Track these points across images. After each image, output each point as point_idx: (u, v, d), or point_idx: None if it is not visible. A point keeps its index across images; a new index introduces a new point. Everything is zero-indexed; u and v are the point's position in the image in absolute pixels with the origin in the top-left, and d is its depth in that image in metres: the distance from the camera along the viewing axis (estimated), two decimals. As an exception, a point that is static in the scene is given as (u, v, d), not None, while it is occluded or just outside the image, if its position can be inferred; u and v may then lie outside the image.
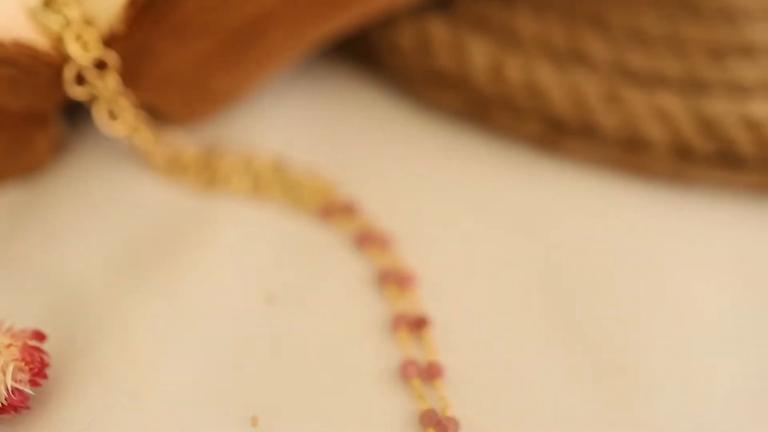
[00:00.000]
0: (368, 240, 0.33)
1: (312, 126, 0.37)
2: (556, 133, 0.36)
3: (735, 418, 0.31)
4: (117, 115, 0.34)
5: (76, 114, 0.36)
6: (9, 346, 0.29)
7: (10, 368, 0.29)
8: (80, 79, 0.33)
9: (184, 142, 0.35)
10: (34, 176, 0.35)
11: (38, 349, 0.30)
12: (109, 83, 0.33)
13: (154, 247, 0.33)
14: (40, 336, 0.30)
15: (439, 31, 0.37)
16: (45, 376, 0.30)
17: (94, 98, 0.33)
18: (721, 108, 0.34)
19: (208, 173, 0.35)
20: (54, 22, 0.32)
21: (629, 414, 0.30)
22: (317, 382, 0.31)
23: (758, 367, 0.32)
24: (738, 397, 0.31)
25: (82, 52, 0.32)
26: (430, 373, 0.31)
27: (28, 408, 0.29)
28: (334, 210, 0.34)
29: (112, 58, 0.33)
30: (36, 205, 0.34)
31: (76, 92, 0.33)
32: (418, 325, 0.32)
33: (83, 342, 0.31)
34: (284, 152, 0.36)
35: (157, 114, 0.35)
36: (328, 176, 0.35)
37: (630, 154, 0.35)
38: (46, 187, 0.35)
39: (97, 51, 0.32)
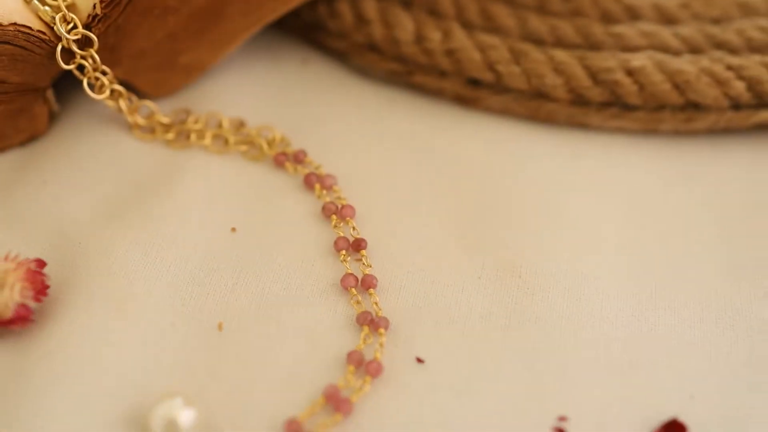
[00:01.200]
0: (315, 181, 0.40)
1: (266, 92, 0.43)
2: (472, 90, 0.42)
3: (615, 314, 0.37)
4: (101, 85, 0.40)
5: (67, 88, 0.42)
6: (15, 269, 0.36)
7: (17, 287, 0.35)
8: (69, 56, 0.39)
9: (159, 109, 0.42)
10: (33, 141, 0.42)
11: (39, 273, 0.36)
12: (93, 58, 0.40)
13: (135, 193, 0.40)
14: (40, 263, 0.36)
15: (372, 7, 0.43)
16: (45, 294, 0.36)
17: (81, 71, 0.40)
18: (608, 61, 0.41)
19: (180, 133, 0.42)
20: (45, 7, 0.39)
21: (528, 310, 0.37)
22: (273, 295, 0.37)
23: (637, 273, 0.38)
24: (619, 297, 0.37)
25: (69, 33, 0.39)
26: (366, 283, 0.37)
27: (32, 321, 0.36)
28: (286, 159, 0.40)
29: (92, 36, 0.39)
30: (35, 162, 0.41)
31: (66, 67, 0.39)
32: (356, 246, 0.38)
33: (76, 268, 0.37)
34: (243, 114, 0.42)
35: (134, 91, 0.42)
36: (281, 132, 0.41)
37: (535, 105, 0.42)
38: (43, 148, 0.41)
39: (80, 30, 0.39)
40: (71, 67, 0.40)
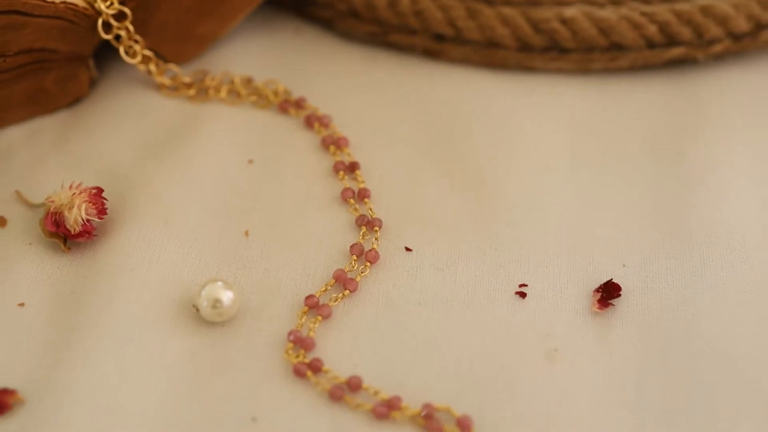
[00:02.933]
0: (314, 121, 0.48)
1: (267, 56, 0.52)
2: (438, 44, 0.51)
3: (564, 208, 0.46)
4: (133, 52, 0.49)
5: (102, 58, 0.51)
6: (80, 194, 0.44)
7: (83, 207, 0.43)
8: (107, 28, 0.48)
9: (181, 71, 0.50)
10: (77, 102, 0.50)
11: (99, 196, 0.44)
12: (127, 29, 0.48)
13: (166, 138, 0.48)
14: (99, 189, 0.45)
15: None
16: (105, 213, 0.44)
17: (117, 41, 0.48)
18: (546, 13, 0.50)
19: (199, 90, 0.50)
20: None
21: (493, 209, 0.45)
22: (287, 208, 0.46)
23: (581, 179, 0.47)
24: (567, 197, 0.46)
25: (107, 8, 0.47)
26: (361, 195, 0.46)
27: (94, 236, 0.44)
28: (289, 105, 0.49)
29: (127, 10, 0.47)
30: (81, 119, 0.49)
31: (106, 36, 0.48)
32: (351, 168, 0.47)
33: (125, 196, 0.46)
34: (252, 72, 0.51)
35: (159, 57, 0.50)
36: (283, 85, 0.50)
37: (490, 53, 0.50)
38: (87, 108, 0.50)
39: (117, 6, 0.47)
40: (110, 36, 0.48)
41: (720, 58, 0.52)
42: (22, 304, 0.42)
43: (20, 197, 0.46)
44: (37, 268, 0.43)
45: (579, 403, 0.40)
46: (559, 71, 0.52)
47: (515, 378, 0.40)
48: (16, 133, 0.49)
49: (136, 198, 0.46)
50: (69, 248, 0.44)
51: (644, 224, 0.46)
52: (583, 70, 0.51)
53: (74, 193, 0.44)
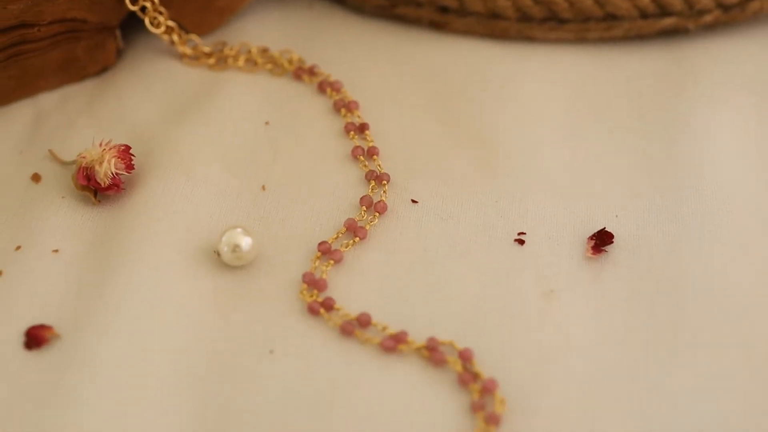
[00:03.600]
0: (326, 87, 0.52)
1: (281, 29, 0.55)
2: (442, 16, 0.54)
3: (561, 161, 0.49)
4: (158, 23, 0.52)
5: (127, 30, 0.54)
6: (109, 150, 0.47)
7: (112, 161, 0.47)
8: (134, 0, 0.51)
9: (202, 42, 0.53)
10: (105, 71, 0.53)
11: (127, 152, 0.47)
12: (152, 1, 0.51)
13: (188, 102, 0.52)
14: (127, 146, 0.48)
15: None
16: (133, 168, 0.47)
17: (143, 12, 0.51)
18: (544, -15, 0.53)
19: (219, 59, 0.53)
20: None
21: (493, 163, 0.49)
22: (300, 165, 0.49)
23: (575, 138, 0.50)
24: (562, 153, 0.49)
25: (134, -19, 0.51)
26: (370, 152, 0.49)
27: (123, 189, 0.47)
28: (303, 72, 0.52)
29: (152, -16, 0.51)
30: (109, 86, 0.53)
31: (132, 8, 0.51)
32: (361, 128, 0.50)
33: (152, 153, 0.49)
34: (267, 43, 0.54)
35: (181, 29, 0.53)
36: (297, 54, 0.53)
37: (492, 24, 0.54)
38: (114, 75, 0.53)
39: (143, -20, 0.51)
40: (136, 8, 0.52)
41: (710, 28, 0.55)
42: (56, 251, 0.46)
43: (53, 155, 0.50)
44: (70, 219, 0.47)
45: (572, 337, 0.43)
46: (557, 41, 0.55)
47: (513, 315, 0.44)
48: (49, 99, 0.52)
49: (160, 156, 0.49)
50: (99, 201, 0.48)
51: (636, 178, 0.48)
52: (580, 39, 0.54)
53: (104, 150, 0.47)
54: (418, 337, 0.43)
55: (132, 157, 0.48)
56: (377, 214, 0.47)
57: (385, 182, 0.48)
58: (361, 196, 0.47)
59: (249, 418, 0.40)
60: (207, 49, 0.54)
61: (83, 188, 0.48)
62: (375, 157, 0.49)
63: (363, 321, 0.43)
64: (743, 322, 0.43)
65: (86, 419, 0.40)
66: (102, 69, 0.54)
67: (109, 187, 0.47)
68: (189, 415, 0.40)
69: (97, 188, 0.47)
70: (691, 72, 0.54)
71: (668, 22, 0.54)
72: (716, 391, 0.41)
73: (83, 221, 0.47)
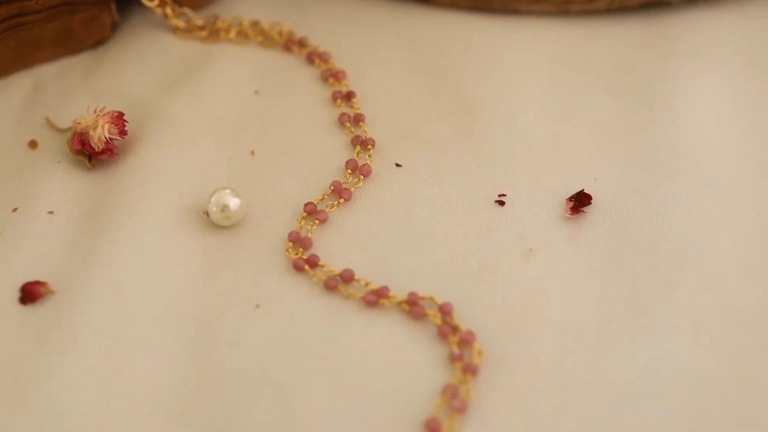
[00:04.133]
0: (315, 57, 0.53)
1: (274, 0, 0.57)
2: (429, -11, 0.56)
3: (541, 125, 0.50)
4: (152, -4, 0.54)
5: (122, 4, 0.55)
6: (103, 116, 0.48)
7: (106, 126, 0.48)
8: (128, -26, 0.53)
9: (195, 15, 0.55)
10: (100, 44, 0.55)
11: (121, 118, 0.49)
12: (146, -25, 0.53)
13: (181, 73, 0.53)
14: (121, 113, 0.49)
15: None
16: (126, 134, 0.49)
17: (137, -15, 0.53)
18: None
19: (211, 32, 0.55)
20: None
21: (475, 126, 0.50)
22: (288, 132, 0.50)
23: (555, 103, 0.51)
24: (542, 116, 0.50)
25: (128, -45, 0.52)
26: (357, 119, 0.50)
27: (116, 154, 0.49)
28: (292, 44, 0.54)
29: (146, -42, 0.53)
30: (105, 58, 0.54)
31: (126, -19, 0.53)
32: (348, 97, 0.51)
33: (145, 120, 0.50)
34: (258, 16, 0.55)
35: (175, 2, 0.55)
36: (287, 27, 0.54)
37: (473, -4, 0.55)
38: (109, 48, 0.55)
39: (137, -46, 0.52)
40: (130, -18, 0.53)
41: (692, 0, 0.56)
42: (51, 213, 0.47)
43: (50, 123, 0.51)
44: (65, 183, 0.48)
45: (549, 293, 0.44)
46: (541, 13, 0.56)
47: (493, 273, 0.45)
48: (46, 70, 0.54)
49: (153, 123, 0.50)
50: (93, 165, 0.49)
51: (616, 144, 0.50)
52: (564, 12, 0.56)
53: (98, 116, 0.49)
54: (399, 292, 0.44)
55: (125, 123, 0.49)
56: (362, 176, 0.48)
57: (370, 147, 0.49)
58: (346, 160, 0.49)
59: (234, 369, 0.42)
60: (199, 22, 0.55)
61: (78, 153, 0.49)
62: (361, 123, 0.51)
63: (346, 277, 0.45)
64: (716, 280, 0.44)
65: (77, 369, 0.42)
66: (98, 42, 0.55)
67: (102, 152, 0.49)
68: (176, 366, 0.42)
69: (91, 153, 0.49)
70: (673, 42, 0.55)
71: (647, -6, 0.56)
72: (689, 344, 0.42)
73: (78, 185, 0.48)
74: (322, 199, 0.47)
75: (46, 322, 0.43)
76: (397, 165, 0.49)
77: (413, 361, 0.42)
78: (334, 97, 0.52)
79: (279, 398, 0.41)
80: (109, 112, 0.49)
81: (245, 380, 0.41)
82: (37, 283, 0.45)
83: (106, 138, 0.49)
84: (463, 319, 0.43)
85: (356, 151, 0.49)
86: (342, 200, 0.47)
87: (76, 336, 0.43)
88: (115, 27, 0.56)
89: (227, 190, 0.47)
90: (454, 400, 0.40)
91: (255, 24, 0.55)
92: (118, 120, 0.49)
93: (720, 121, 0.51)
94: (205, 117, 0.51)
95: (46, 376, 0.41)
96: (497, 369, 0.42)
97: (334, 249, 0.46)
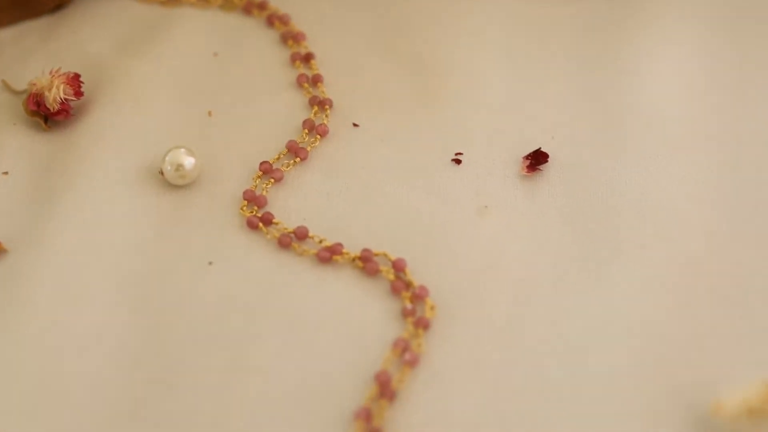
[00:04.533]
0: (274, 20, 0.53)
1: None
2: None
3: (497, 83, 0.49)
4: (109, -41, 0.53)
5: None
6: (59, 77, 0.48)
7: (61, 87, 0.48)
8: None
9: (154, -21, 0.55)
10: (60, 8, 0.54)
11: (77, 79, 0.49)
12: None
13: (141, 35, 0.53)
14: (77, 74, 0.49)
15: None
16: (82, 95, 0.49)
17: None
18: None
19: (171, -5, 0.55)
20: None
21: (434, 89, 0.49)
22: (246, 92, 0.50)
23: (514, 63, 0.50)
24: (500, 69, 0.50)
25: None
26: (315, 80, 0.50)
27: (72, 115, 0.48)
28: (252, 7, 0.54)
29: None
30: (64, 21, 0.54)
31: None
32: (306, 58, 0.51)
33: (102, 82, 0.50)
34: (219, -20, 0.55)
35: None
36: (248, -10, 0.55)
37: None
38: (69, 12, 0.54)
39: None
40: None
41: (654, -37, 0.56)
42: (6, 173, 0.47)
43: (5, 85, 0.51)
44: (20, 144, 0.48)
45: (504, 250, 0.44)
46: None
47: (448, 230, 0.45)
48: (4, 34, 0.53)
49: (111, 84, 0.50)
50: (49, 127, 0.49)
51: (573, 103, 0.49)
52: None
53: (53, 76, 0.49)
54: (353, 249, 0.44)
55: (81, 84, 0.49)
56: (319, 136, 0.48)
57: (327, 107, 0.49)
58: (303, 120, 0.49)
59: (185, 322, 0.41)
60: (159, -14, 0.56)
61: (33, 114, 0.49)
62: (319, 84, 0.50)
63: (300, 234, 0.44)
64: (669, 235, 0.44)
65: (29, 325, 0.41)
66: (57, 6, 0.55)
67: (58, 113, 0.48)
68: (128, 320, 0.42)
69: (47, 114, 0.49)
70: (635, 8, 0.54)
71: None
72: (641, 296, 0.42)
73: (33, 145, 0.48)
74: (278, 158, 0.47)
75: (2, 279, 0.43)
76: (355, 125, 0.49)
77: (365, 316, 0.42)
78: (293, 58, 0.51)
79: (231, 352, 0.40)
80: (64, 74, 0.49)
81: (197, 335, 0.41)
82: (-11, 241, 0.45)
83: (61, 99, 0.48)
84: (416, 275, 0.43)
85: (313, 111, 0.49)
86: (298, 159, 0.47)
87: (29, 293, 0.42)
88: (67, -4, 0.56)
89: (182, 149, 0.46)
90: (406, 354, 0.40)
91: (215, -12, 0.56)
92: (74, 81, 0.49)
93: (678, 84, 0.50)
94: (162, 78, 0.51)
95: (1, 331, 0.41)
96: (450, 323, 0.42)
97: (289, 207, 0.46)
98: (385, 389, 0.39)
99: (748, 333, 0.40)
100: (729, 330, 0.40)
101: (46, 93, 0.48)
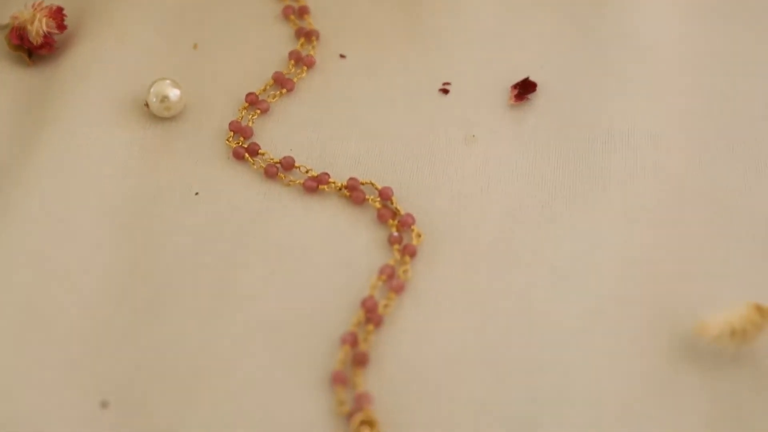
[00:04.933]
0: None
1: None
2: None
3: (490, 33, 0.49)
4: None
5: None
6: (42, 9, 0.48)
7: (44, 21, 0.47)
8: None
9: None
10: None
11: (60, 12, 0.48)
12: None
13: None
14: (60, 7, 0.48)
15: None
16: (65, 28, 0.48)
17: None
18: None
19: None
20: None
21: (420, 31, 0.48)
22: (231, 25, 0.49)
23: (508, 6, 0.49)
24: (493, 23, 0.49)
25: None
26: (301, 11, 0.50)
27: (56, 49, 0.48)
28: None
29: None
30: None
31: None
32: (301, 12, 0.50)
33: (83, 20, 0.49)
34: None
35: None
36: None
37: None
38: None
39: None
40: None
41: None
42: (-10, 108, 0.47)
43: (-13, 19, 0.51)
44: (4, 78, 0.48)
45: (491, 178, 0.44)
46: None
47: (435, 159, 0.44)
48: (-14, -31, 0.54)
49: (94, 17, 0.50)
50: (33, 61, 0.48)
51: (563, 33, 0.49)
52: None
53: (36, 10, 0.48)
54: (340, 178, 0.44)
55: (64, 17, 0.48)
56: (305, 67, 0.48)
57: (314, 38, 0.49)
58: (289, 51, 0.49)
59: (172, 252, 0.41)
60: None
61: (16, 48, 0.48)
62: (306, 15, 0.50)
63: (286, 164, 0.44)
64: (656, 163, 0.44)
65: (20, 255, 0.41)
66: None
67: (41, 47, 0.48)
68: (115, 248, 0.42)
69: (30, 48, 0.48)
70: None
71: None
72: (629, 222, 0.42)
73: (17, 80, 0.48)
74: (264, 89, 0.47)
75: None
76: (342, 56, 0.48)
77: (352, 244, 0.42)
78: (286, 12, 0.50)
79: (218, 280, 0.40)
80: (47, 6, 0.48)
81: (184, 263, 0.41)
82: (-25, 173, 0.45)
83: (44, 32, 0.48)
84: (403, 203, 0.43)
85: (300, 42, 0.49)
86: (284, 90, 0.47)
87: (17, 224, 0.42)
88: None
89: (167, 81, 0.46)
90: (392, 280, 0.41)
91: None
92: (57, 14, 0.48)
93: (668, 14, 0.50)
94: (147, 10, 0.50)
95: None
96: (436, 251, 0.42)
97: (275, 138, 0.45)
98: (371, 315, 0.39)
99: (731, 258, 0.40)
100: (713, 255, 0.40)
101: (29, 27, 0.48)
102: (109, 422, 0.37)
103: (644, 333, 0.38)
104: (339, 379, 0.37)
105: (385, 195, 0.43)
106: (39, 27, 0.48)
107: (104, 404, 0.36)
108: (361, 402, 0.37)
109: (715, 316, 0.37)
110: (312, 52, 0.48)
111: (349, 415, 0.37)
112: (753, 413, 0.37)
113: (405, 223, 0.42)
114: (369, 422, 0.36)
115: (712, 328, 0.36)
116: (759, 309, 0.36)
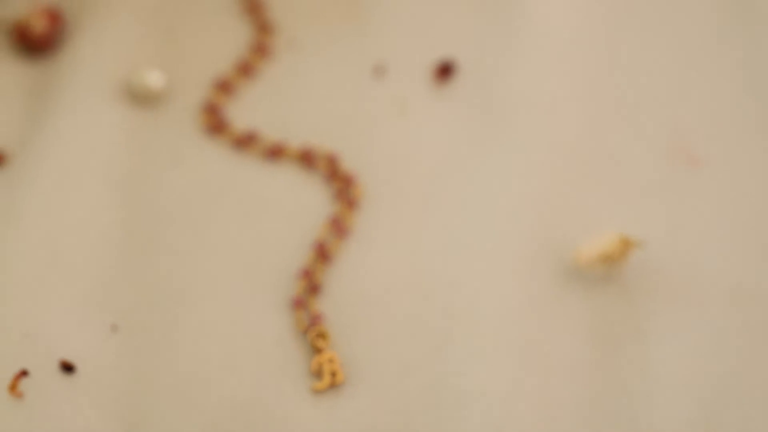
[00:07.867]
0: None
1: None
2: None
3: (415, 17, 0.58)
4: None
5: None
6: (40, 5, 0.56)
7: (42, 15, 0.56)
8: None
9: None
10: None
11: (57, 9, 0.56)
12: None
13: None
14: (57, 7, 0.57)
15: None
16: (63, 22, 0.56)
17: None
18: None
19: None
20: None
21: (353, 14, 0.58)
22: (203, 13, 0.58)
23: None
24: (419, 8, 0.59)
25: None
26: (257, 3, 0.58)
27: (53, 43, 0.56)
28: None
29: None
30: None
31: None
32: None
33: (83, 12, 0.58)
34: None
35: None
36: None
37: None
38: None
39: None
40: None
41: None
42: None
43: (-5, 21, 0.59)
44: (5, 71, 0.56)
45: (422, 141, 0.54)
46: None
47: (373, 126, 0.54)
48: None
49: (90, 13, 0.58)
50: (31, 56, 0.57)
51: (478, 18, 0.58)
52: None
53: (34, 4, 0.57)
54: (296, 146, 0.53)
55: (61, 12, 0.57)
56: (264, 53, 0.57)
57: (270, 27, 0.58)
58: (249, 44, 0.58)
59: (160, 207, 0.51)
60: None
61: (16, 42, 0.57)
62: (261, 9, 0.59)
63: (251, 136, 0.53)
64: (553, 125, 0.54)
65: (33, 225, 0.50)
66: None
67: (39, 42, 0.56)
68: (114, 213, 0.51)
69: (29, 43, 0.56)
70: None
71: None
72: (529, 173, 0.52)
73: (17, 73, 0.55)
74: (232, 73, 0.56)
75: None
76: (294, 42, 0.57)
77: (306, 200, 0.52)
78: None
79: (196, 231, 0.50)
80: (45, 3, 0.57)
81: (171, 216, 0.50)
82: (-7, 151, 0.53)
83: (42, 27, 0.57)
84: (347, 164, 0.53)
85: (259, 31, 0.57)
86: (247, 74, 0.56)
87: (35, 190, 0.51)
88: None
89: (149, 70, 0.55)
90: (338, 227, 0.50)
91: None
92: (54, 10, 0.57)
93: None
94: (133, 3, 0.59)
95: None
96: (375, 203, 0.52)
97: (241, 115, 0.54)
98: (322, 254, 0.49)
99: (605, 199, 0.51)
100: (592, 197, 0.51)
101: (29, 21, 0.57)
102: (116, 342, 0.47)
103: (537, 259, 0.49)
104: (298, 304, 0.48)
105: (332, 158, 0.52)
106: (37, 23, 0.56)
107: (114, 328, 0.46)
108: (315, 320, 0.47)
109: (590, 245, 0.47)
110: (268, 40, 0.57)
111: (306, 330, 0.47)
112: (622, 320, 0.47)
113: (348, 181, 0.52)
114: (322, 335, 0.46)
115: (586, 255, 0.46)
116: (623, 240, 0.47)
